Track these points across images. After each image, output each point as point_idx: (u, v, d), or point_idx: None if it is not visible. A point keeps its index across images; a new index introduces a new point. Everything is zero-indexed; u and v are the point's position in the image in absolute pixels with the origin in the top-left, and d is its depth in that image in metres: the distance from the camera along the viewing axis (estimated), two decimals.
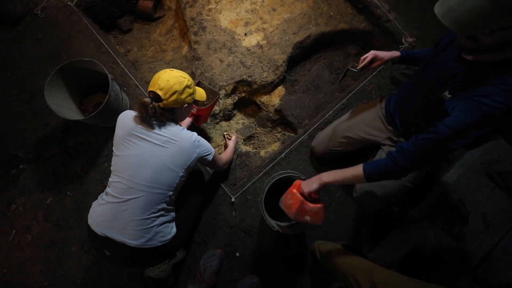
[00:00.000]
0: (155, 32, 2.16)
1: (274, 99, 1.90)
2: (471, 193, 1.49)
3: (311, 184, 1.04)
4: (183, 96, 1.08)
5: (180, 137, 1.08)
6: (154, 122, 1.07)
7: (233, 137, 1.65)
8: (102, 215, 1.05)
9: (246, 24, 1.88)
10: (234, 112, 1.95)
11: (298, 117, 1.82)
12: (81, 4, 1.88)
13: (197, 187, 1.34)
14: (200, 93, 1.29)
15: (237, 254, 1.47)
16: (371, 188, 1.21)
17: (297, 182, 1.11)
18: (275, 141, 1.93)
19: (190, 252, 1.45)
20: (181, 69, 2.10)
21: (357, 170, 0.99)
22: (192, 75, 1.84)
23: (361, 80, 1.73)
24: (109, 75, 1.38)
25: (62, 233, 1.48)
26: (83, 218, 1.50)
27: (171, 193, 1.09)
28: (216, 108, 1.81)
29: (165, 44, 2.12)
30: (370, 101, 1.43)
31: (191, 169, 1.16)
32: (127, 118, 1.10)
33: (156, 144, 1.05)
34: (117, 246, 1.02)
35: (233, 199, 1.52)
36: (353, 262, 1.12)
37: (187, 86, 1.09)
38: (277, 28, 1.86)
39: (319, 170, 1.58)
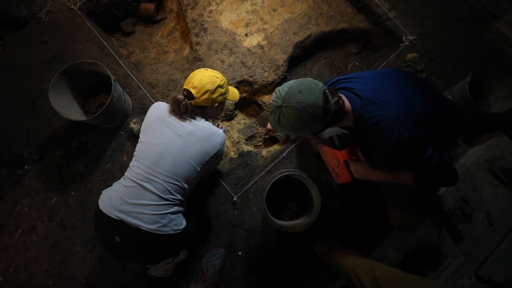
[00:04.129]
0: (157, 34, 2.18)
1: None
2: (474, 190, 1.48)
3: (359, 173, 1.17)
4: (214, 96, 1.13)
5: (205, 130, 1.13)
6: (184, 116, 1.13)
7: (222, 128, 1.56)
8: (119, 198, 1.05)
9: (247, 24, 1.89)
10: (236, 112, 1.96)
11: None
12: (85, 8, 1.91)
13: None
14: (233, 93, 1.32)
15: (240, 253, 1.47)
16: (409, 218, 1.16)
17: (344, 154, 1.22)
18: (277, 141, 1.94)
19: (192, 251, 1.46)
20: (182, 71, 2.15)
21: (406, 175, 1.04)
22: None
23: None
24: (112, 77, 1.40)
25: (67, 233, 1.50)
26: (87, 217, 1.51)
27: (187, 186, 1.13)
28: None
29: (167, 46, 2.14)
30: None
31: (208, 166, 1.20)
32: (159, 108, 1.17)
33: (180, 135, 1.09)
34: (130, 231, 1.01)
35: (235, 198, 1.52)
36: (354, 260, 1.12)
37: (219, 86, 1.14)
38: (277, 28, 1.87)
39: (320, 169, 1.58)
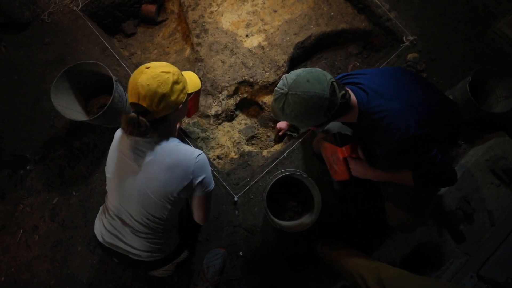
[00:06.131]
0: (158, 36, 2.19)
1: None
2: (476, 190, 1.48)
3: (357, 171, 1.16)
4: (173, 98, 0.87)
5: (173, 154, 0.91)
6: (142, 139, 0.90)
7: None
8: (105, 230, 1.03)
9: (248, 25, 1.90)
10: (236, 112, 1.96)
11: None
12: (86, 9, 1.93)
13: None
14: (193, 82, 1.05)
15: (240, 253, 1.47)
16: (409, 219, 1.16)
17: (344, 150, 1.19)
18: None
19: (193, 252, 1.46)
20: (184, 71, 2.15)
21: (406, 175, 1.03)
22: None
23: None
24: (114, 77, 1.41)
25: (68, 233, 1.50)
26: (89, 217, 1.52)
27: (165, 220, 0.99)
28: (219, 109, 1.83)
29: (168, 47, 2.15)
30: None
31: (183, 201, 0.99)
32: (117, 136, 1.00)
33: (140, 166, 0.91)
34: (124, 255, 1.03)
35: (236, 199, 1.53)
36: (358, 260, 1.11)
37: (175, 82, 0.88)
38: (278, 29, 1.88)
39: (321, 169, 1.58)
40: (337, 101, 0.89)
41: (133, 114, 0.85)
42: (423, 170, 0.97)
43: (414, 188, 1.04)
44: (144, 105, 0.84)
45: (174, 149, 0.93)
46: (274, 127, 1.95)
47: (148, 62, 0.92)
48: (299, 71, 0.91)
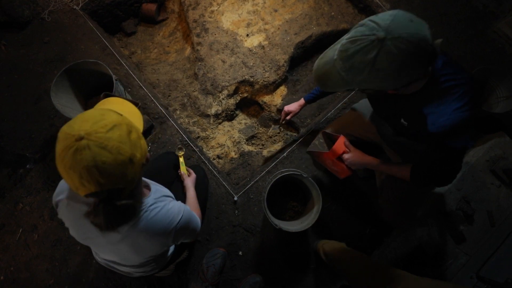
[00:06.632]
0: (159, 35, 2.19)
1: (276, 99, 1.91)
2: (476, 190, 1.48)
3: (355, 164, 1.13)
4: (138, 153, 0.65)
5: (150, 225, 0.75)
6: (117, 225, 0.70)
7: (192, 174, 1.29)
8: (99, 257, 0.98)
9: (248, 25, 1.90)
10: (237, 112, 1.96)
11: (300, 117, 1.83)
12: (87, 8, 1.93)
13: (200, 186, 1.34)
14: (140, 123, 0.85)
15: (240, 253, 1.47)
16: (401, 213, 1.17)
17: (339, 147, 1.18)
18: (278, 141, 1.94)
19: (193, 251, 1.46)
20: (183, 71, 2.15)
21: (404, 169, 1.00)
22: (195, 76, 1.87)
23: None
24: (114, 76, 1.40)
25: (68, 232, 1.49)
26: None
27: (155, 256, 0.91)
28: (219, 108, 1.83)
29: (168, 46, 2.15)
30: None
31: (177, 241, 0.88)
32: (71, 211, 0.79)
33: (113, 245, 0.78)
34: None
35: (235, 198, 1.52)
36: (361, 260, 1.11)
37: (129, 133, 0.63)
38: (278, 28, 1.88)
39: (321, 169, 1.58)
40: (436, 51, 0.69)
41: (89, 199, 0.63)
42: (423, 166, 0.94)
43: (409, 183, 1.03)
44: (105, 188, 0.60)
45: (148, 221, 0.75)
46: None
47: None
48: (388, 12, 0.69)
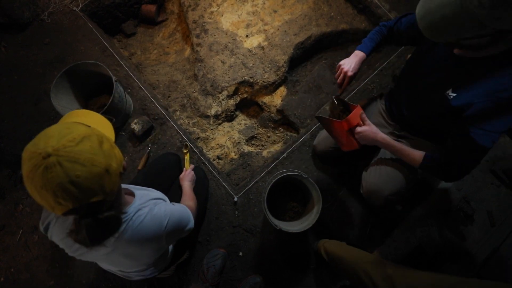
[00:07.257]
0: (158, 36, 2.19)
1: (276, 99, 1.91)
2: (476, 190, 1.48)
3: (366, 140, 1.07)
4: (114, 162, 0.62)
5: (138, 231, 0.73)
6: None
7: (190, 169, 1.31)
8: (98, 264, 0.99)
9: (248, 26, 1.90)
10: (236, 113, 1.96)
11: (300, 117, 1.83)
12: (87, 9, 1.93)
13: (200, 186, 1.34)
14: (111, 134, 0.78)
15: (240, 253, 1.47)
16: (379, 184, 1.16)
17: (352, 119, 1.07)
18: (278, 141, 1.94)
19: (193, 252, 1.46)
20: (183, 71, 2.16)
21: (417, 155, 0.97)
22: (195, 76, 1.87)
23: (363, 79, 1.74)
24: (113, 77, 1.41)
25: None
26: None
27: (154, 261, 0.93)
28: (219, 109, 1.83)
29: (168, 47, 2.16)
30: (369, 98, 1.42)
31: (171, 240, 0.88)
32: (55, 233, 0.79)
33: (105, 254, 0.76)
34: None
35: (235, 199, 1.52)
36: (363, 257, 1.10)
37: (100, 143, 0.61)
38: (278, 29, 1.88)
39: (321, 169, 1.58)
40: None
41: (87, 221, 0.60)
42: (441, 156, 0.91)
43: (397, 165, 1.00)
44: (90, 200, 0.57)
45: (135, 229, 0.73)
46: (274, 127, 1.95)
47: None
48: None
